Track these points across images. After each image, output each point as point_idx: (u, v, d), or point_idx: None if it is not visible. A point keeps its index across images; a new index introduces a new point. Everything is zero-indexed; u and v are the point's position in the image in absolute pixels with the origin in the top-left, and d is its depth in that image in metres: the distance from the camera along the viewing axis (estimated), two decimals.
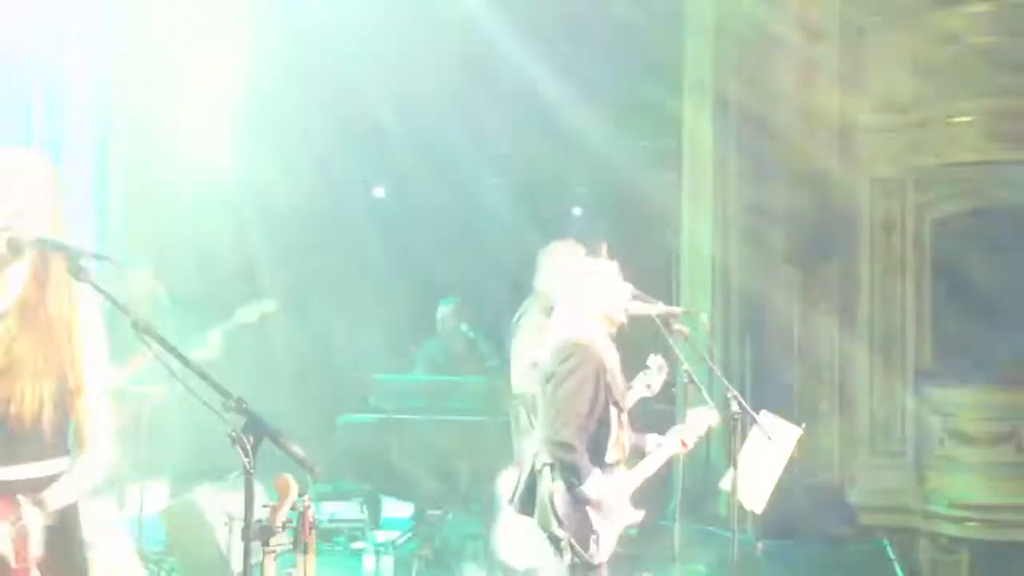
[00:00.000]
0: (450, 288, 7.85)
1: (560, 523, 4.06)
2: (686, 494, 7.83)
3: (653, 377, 4.67)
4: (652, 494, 4.38)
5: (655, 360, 4.75)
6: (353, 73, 8.69)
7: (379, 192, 10.11)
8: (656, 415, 4.74)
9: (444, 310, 7.62)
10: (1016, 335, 7.84)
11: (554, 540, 4.11)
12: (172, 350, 2.56)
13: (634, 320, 4.43)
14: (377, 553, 6.61)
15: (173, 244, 8.01)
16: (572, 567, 4.07)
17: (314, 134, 8.81)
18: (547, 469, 4.15)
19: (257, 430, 2.43)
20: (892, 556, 7.62)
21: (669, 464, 4.61)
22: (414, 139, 9.26)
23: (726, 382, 4.51)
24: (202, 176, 8.40)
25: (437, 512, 6.71)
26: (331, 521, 7.13)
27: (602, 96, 9.12)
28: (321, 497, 7.39)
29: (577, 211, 10.39)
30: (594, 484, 4.08)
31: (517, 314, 5.52)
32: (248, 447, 2.42)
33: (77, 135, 7.85)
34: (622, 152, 9.10)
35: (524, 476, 4.42)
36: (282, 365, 8.21)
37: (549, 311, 5.19)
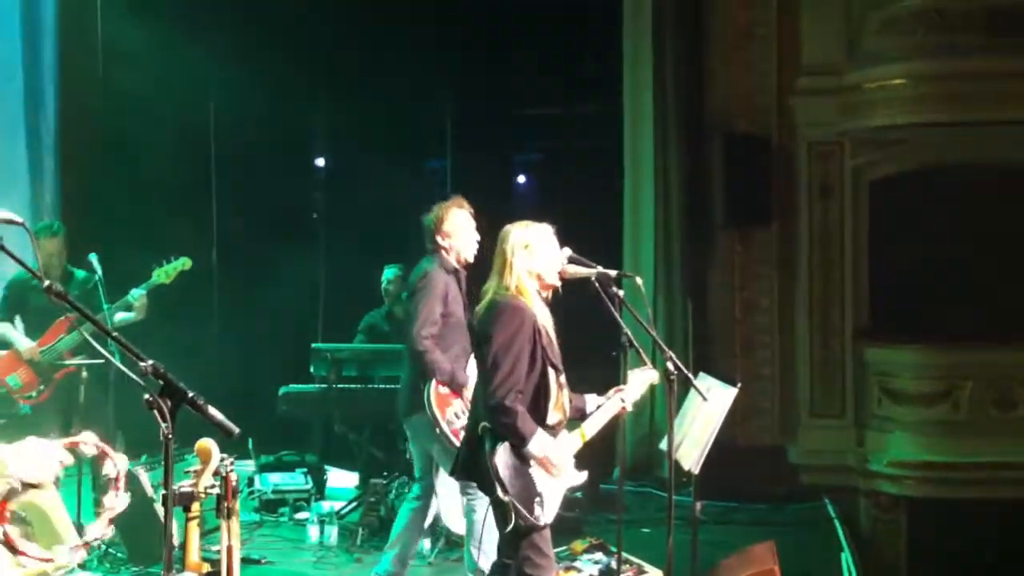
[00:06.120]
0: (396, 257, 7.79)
1: (503, 487, 4.00)
2: (630, 458, 7.94)
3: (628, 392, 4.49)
4: (596, 458, 4.37)
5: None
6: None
7: (320, 161, 10.02)
8: (596, 378, 4.71)
9: (389, 278, 7.60)
10: (951, 295, 7.95)
11: (498, 505, 4.06)
12: (86, 315, 2.51)
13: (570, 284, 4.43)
14: (322, 523, 6.60)
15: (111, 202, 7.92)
16: (516, 530, 4.04)
17: (257, 96, 8.68)
18: (488, 434, 4.11)
19: (174, 394, 2.39)
20: (833, 515, 7.73)
21: (613, 428, 4.62)
22: (356, 108, 9.18)
23: (662, 344, 4.53)
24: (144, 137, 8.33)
25: (381, 481, 6.68)
26: (275, 492, 7.07)
27: (545, 64, 9.11)
28: (265, 468, 7.35)
29: (521, 178, 10.41)
30: (539, 443, 4.07)
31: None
32: (165, 411, 2.38)
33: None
34: (564, 120, 9.11)
35: (465, 442, 4.41)
36: (226, 335, 8.13)
37: (453, 270, 5.18)
